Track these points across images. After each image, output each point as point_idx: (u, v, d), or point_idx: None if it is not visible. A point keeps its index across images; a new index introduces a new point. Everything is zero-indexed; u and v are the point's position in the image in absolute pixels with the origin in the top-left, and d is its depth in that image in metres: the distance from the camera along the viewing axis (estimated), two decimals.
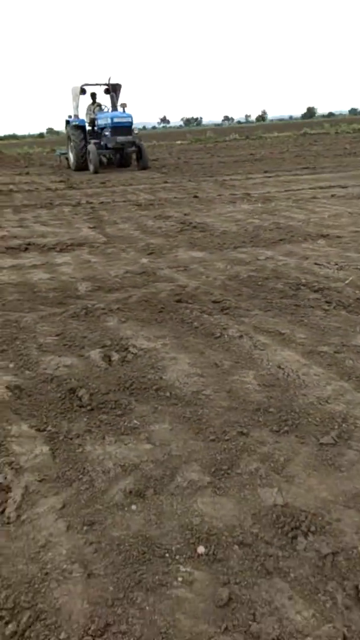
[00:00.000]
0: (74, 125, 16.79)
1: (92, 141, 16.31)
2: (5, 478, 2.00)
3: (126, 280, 4.56)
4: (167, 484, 1.92)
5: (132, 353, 3.06)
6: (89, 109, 17.66)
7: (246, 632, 1.32)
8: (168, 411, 2.42)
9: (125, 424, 2.34)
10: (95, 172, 15.64)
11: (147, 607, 1.41)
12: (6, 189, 11.72)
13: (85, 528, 1.74)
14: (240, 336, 3.17)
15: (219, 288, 4.17)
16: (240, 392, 2.54)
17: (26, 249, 6.00)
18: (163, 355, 3.00)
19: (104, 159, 17.34)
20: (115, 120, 15.66)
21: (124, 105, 16.31)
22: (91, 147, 16.02)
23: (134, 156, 17.19)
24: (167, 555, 1.60)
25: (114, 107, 17.04)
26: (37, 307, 4.01)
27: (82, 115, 17.48)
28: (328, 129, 32.43)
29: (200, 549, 1.60)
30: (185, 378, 2.71)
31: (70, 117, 17.41)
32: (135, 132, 16.30)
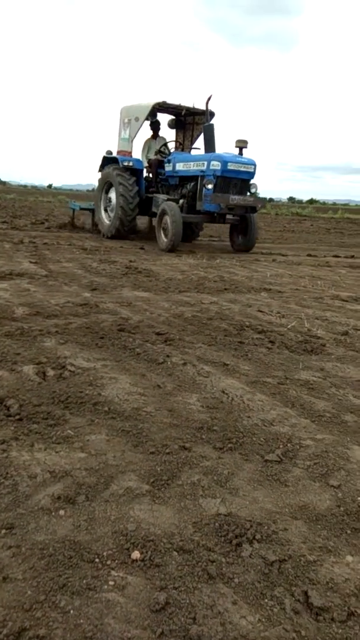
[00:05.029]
0: (126, 167, 9.99)
1: (162, 197, 9.87)
2: None
3: (67, 309, 4.40)
4: (101, 491, 1.74)
5: (70, 371, 2.89)
6: (147, 145, 11.35)
7: (185, 636, 1.15)
8: (105, 424, 2.25)
9: (58, 433, 2.15)
10: (172, 249, 9.08)
11: (71, 611, 1.21)
12: None
13: (3, 532, 1.52)
14: (184, 363, 3.08)
15: (162, 323, 4.10)
16: (183, 411, 2.43)
17: None
18: (102, 374, 2.85)
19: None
20: (231, 166, 8.79)
21: (242, 145, 9.21)
22: (170, 205, 9.08)
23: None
24: (97, 560, 1.41)
25: (209, 147, 9.31)
26: None
27: (137, 154, 10.96)
28: (269, 209, 34.25)
29: (135, 554, 1.43)
30: (126, 395, 2.56)
31: (109, 152, 10.69)
32: (254, 190, 9.38)
